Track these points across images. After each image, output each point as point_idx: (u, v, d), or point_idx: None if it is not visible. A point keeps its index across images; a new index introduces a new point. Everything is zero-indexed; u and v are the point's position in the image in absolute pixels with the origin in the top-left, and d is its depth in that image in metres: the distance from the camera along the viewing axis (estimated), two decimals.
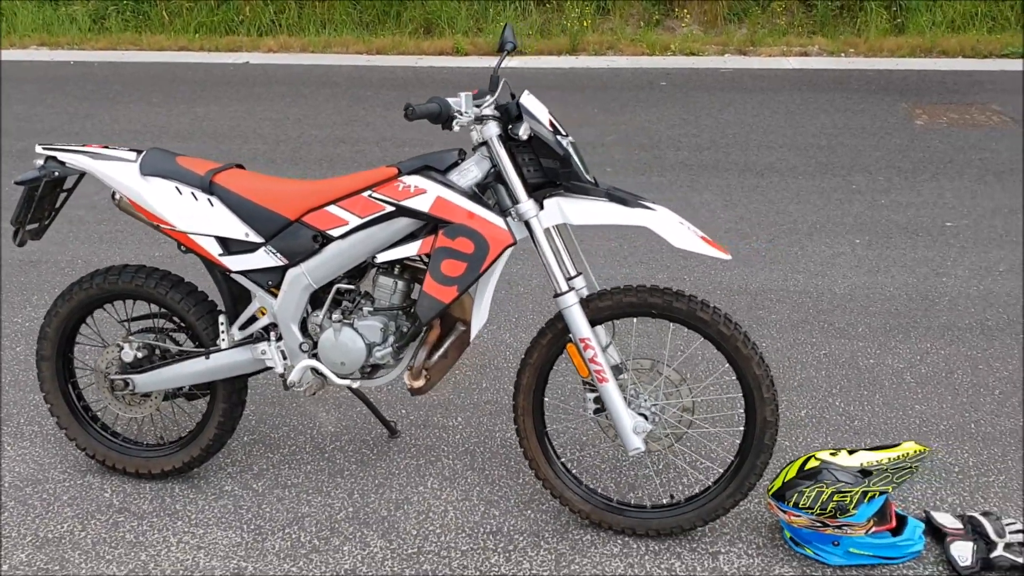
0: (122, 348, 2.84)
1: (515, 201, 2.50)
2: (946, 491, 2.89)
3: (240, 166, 2.82)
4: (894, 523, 2.60)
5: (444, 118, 2.38)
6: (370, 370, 2.74)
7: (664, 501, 2.79)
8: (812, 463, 2.61)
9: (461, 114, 2.41)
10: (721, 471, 2.79)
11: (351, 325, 2.65)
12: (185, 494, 2.92)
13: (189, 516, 2.82)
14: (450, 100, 2.41)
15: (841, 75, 8.37)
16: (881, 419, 3.26)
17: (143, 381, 2.84)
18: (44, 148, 2.76)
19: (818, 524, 2.56)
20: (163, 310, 2.89)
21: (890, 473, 2.54)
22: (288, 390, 2.77)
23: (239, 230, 2.65)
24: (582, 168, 2.52)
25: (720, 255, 2.50)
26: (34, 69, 9.22)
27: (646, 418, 2.61)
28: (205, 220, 2.66)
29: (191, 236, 2.68)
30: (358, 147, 6.49)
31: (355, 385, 2.71)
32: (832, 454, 2.62)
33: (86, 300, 2.84)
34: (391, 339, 2.67)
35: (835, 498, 2.52)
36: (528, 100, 2.51)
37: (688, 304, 2.54)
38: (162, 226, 2.70)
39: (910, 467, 2.55)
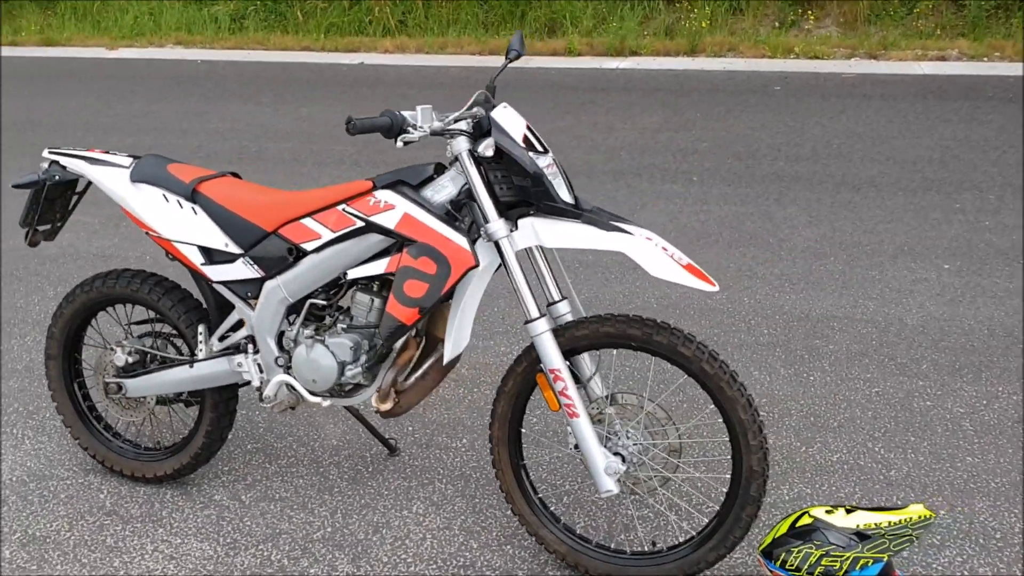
0: (115, 352, 2.87)
1: (485, 220, 2.35)
2: (980, 559, 2.55)
3: (236, 175, 2.79)
4: None
5: (395, 132, 2.26)
6: (349, 388, 2.65)
7: (646, 548, 2.58)
8: (805, 520, 2.35)
9: (414, 128, 2.28)
10: (706, 521, 2.56)
11: (323, 342, 2.57)
12: (174, 501, 2.92)
13: (171, 524, 2.81)
14: (406, 113, 2.29)
15: (976, 82, 7.73)
16: (923, 470, 2.92)
17: (134, 385, 2.86)
18: (50, 152, 2.82)
19: None
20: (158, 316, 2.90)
21: (887, 539, 2.25)
22: (263, 403, 2.72)
23: (219, 240, 2.61)
24: (561, 187, 2.35)
25: (703, 286, 2.27)
26: (164, 67, 9.66)
27: (623, 459, 2.41)
28: (188, 229, 2.64)
29: (175, 244, 2.66)
30: (443, 150, 6.45)
31: (326, 403, 2.63)
32: (828, 511, 2.35)
33: (88, 303, 2.88)
34: (363, 358, 2.57)
35: (824, 562, 2.26)
36: (500, 113, 2.35)
37: (669, 337, 2.33)
38: (150, 233, 2.70)
39: (910, 535, 2.26)
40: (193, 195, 2.63)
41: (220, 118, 7.56)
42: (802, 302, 4.06)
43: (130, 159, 2.77)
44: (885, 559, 2.25)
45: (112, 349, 2.88)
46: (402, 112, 2.28)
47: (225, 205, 2.61)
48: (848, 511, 2.33)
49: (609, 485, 2.37)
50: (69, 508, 2.90)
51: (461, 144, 2.34)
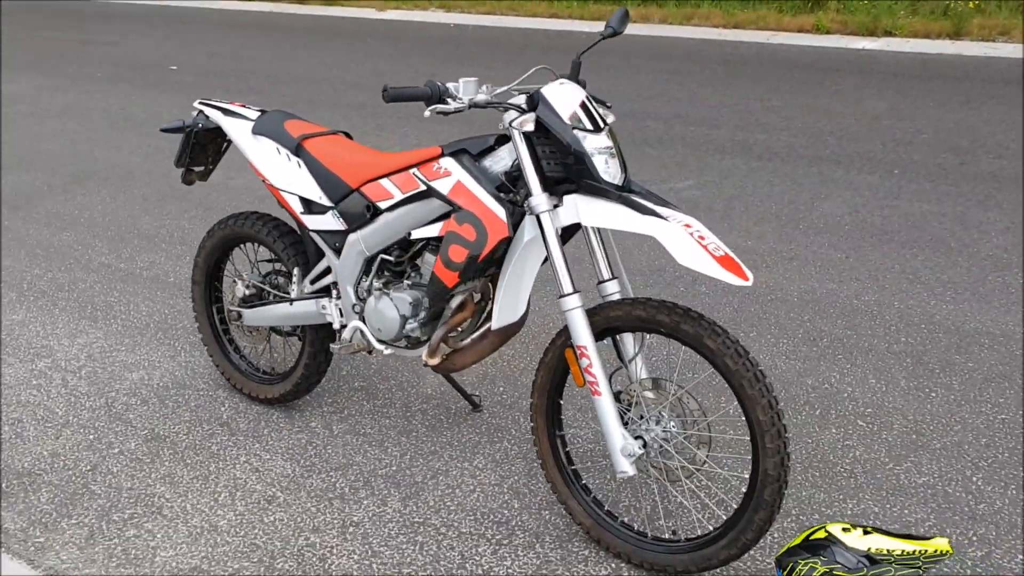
0: (236, 284, 3.22)
1: (529, 194, 2.42)
2: None
3: (347, 135, 3.02)
4: None
5: (435, 102, 2.36)
6: (412, 341, 2.83)
7: (666, 535, 2.56)
8: (820, 534, 2.24)
9: (453, 100, 2.37)
10: (723, 518, 2.49)
11: (389, 295, 2.75)
12: (277, 422, 3.25)
13: (268, 442, 3.14)
14: (449, 85, 2.39)
15: None
16: (1019, 509, 2.65)
17: (249, 315, 3.20)
18: (200, 103, 3.19)
19: None
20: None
21: (894, 567, 2.11)
22: (333, 345, 2.96)
23: (315, 192, 2.86)
24: (607, 167, 2.36)
25: (733, 279, 2.20)
26: (418, 29, 10.26)
27: (644, 443, 2.41)
28: (292, 180, 2.91)
29: (282, 192, 2.94)
30: (641, 123, 6.43)
31: (387, 352, 2.82)
32: (845, 529, 2.23)
33: (224, 238, 3.24)
34: (422, 314, 2.73)
35: None
36: (552, 89, 2.40)
37: (696, 328, 2.29)
38: (265, 181, 3.00)
39: (919, 567, 2.09)
40: (298, 149, 2.90)
41: (428, 78, 7.97)
42: (957, 313, 3.73)
43: (257, 112, 3.08)
44: None
45: (235, 281, 3.24)
46: (446, 83, 2.38)
47: (322, 161, 2.85)
48: (866, 532, 2.21)
49: (624, 467, 2.38)
50: (192, 415, 3.31)
51: (509, 117, 2.41)
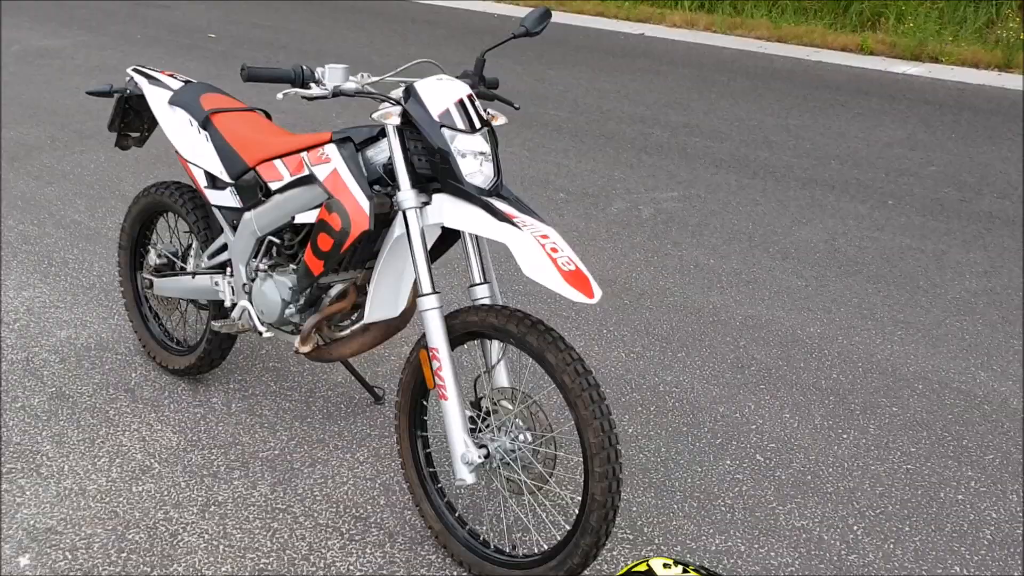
0: (150, 252, 3.24)
1: (397, 188, 2.37)
2: None
3: (266, 113, 3.01)
4: None
5: (298, 85, 2.32)
6: (293, 326, 2.80)
7: (506, 548, 2.50)
8: (641, 567, 2.16)
9: (317, 85, 2.33)
10: (557, 539, 2.42)
11: (272, 277, 2.74)
12: (180, 394, 3.26)
13: (163, 413, 3.15)
14: (316, 69, 2.35)
15: None
16: (891, 565, 2.53)
17: (158, 284, 3.22)
18: (133, 69, 3.21)
19: None
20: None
21: None
22: (214, 324, 2.97)
23: (217, 167, 2.85)
24: (475, 168, 2.30)
25: (578, 296, 2.14)
26: (459, 17, 10.24)
27: (487, 454, 2.35)
28: (198, 152, 2.91)
29: (189, 164, 2.95)
30: (647, 129, 6.31)
31: (268, 335, 2.80)
32: (666, 565, 2.14)
33: (146, 206, 3.26)
34: (301, 300, 2.71)
35: None
36: (426, 83, 2.35)
37: (540, 340, 2.23)
38: (176, 152, 3.01)
39: None
40: (205, 123, 2.90)
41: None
42: (900, 355, 3.58)
43: (182, 83, 3.08)
44: None
45: (150, 250, 3.26)
46: (314, 69, 2.35)
47: (226, 136, 2.84)
48: (685, 570, 2.12)
49: (463, 474, 2.33)
50: (103, 378, 3.34)
51: (393, 109, 2.37)
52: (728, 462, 2.96)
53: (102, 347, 3.55)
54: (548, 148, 5.94)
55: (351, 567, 2.51)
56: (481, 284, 2.47)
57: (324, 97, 2.31)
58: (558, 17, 10.19)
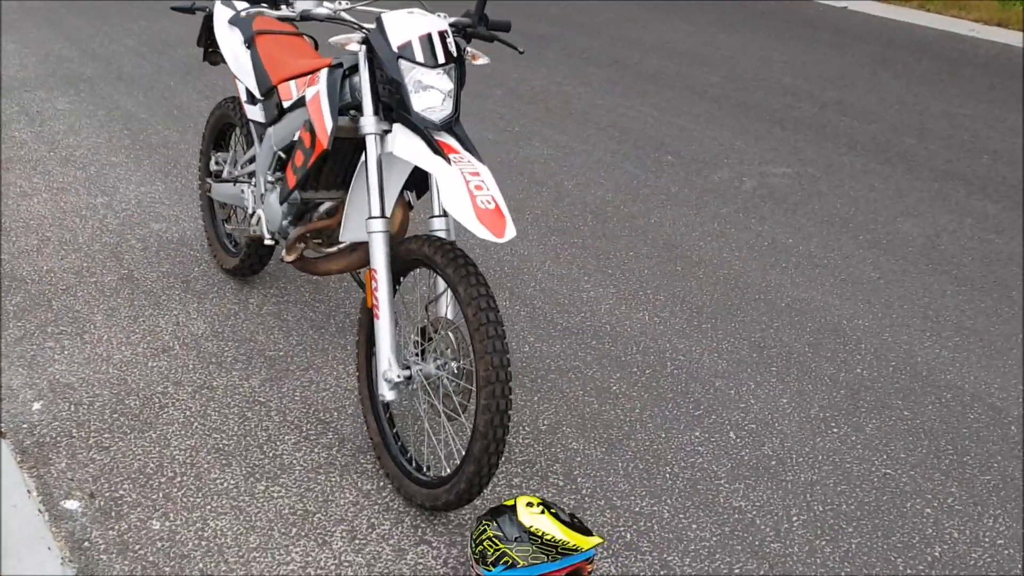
0: (210, 158, 3.56)
1: (361, 113, 2.51)
2: None
3: (313, 40, 3.22)
4: None
5: (269, 6, 2.48)
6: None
7: (423, 468, 2.60)
8: (508, 502, 2.23)
9: (287, 7, 2.47)
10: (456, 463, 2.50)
11: (276, 190, 2.95)
12: (227, 291, 3.59)
13: (204, 304, 3.49)
14: None
15: None
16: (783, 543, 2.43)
17: (214, 188, 3.53)
18: None
19: (471, 562, 2.21)
20: None
21: (532, 548, 2.06)
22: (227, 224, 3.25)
23: (252, 83, 3.10)
24: (430, 102, 2.40)
25: (485, 233, 2.22)
26: None
27: (409, 377, 2.46)
28: (241, 69, 3.16)
29: (236, 79, 3.21)
30: (795, 102, 6.03)
31: (269, 241, 3.03)
32: (529, 504, 2.20)
33: (218, 118, 3.58)
34: (290, 213, 2.91)
35: (485, 543, 2.16)
36: (393, 16, 2.45)
37: (457, 273, 2.32)
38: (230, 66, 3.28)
39: (551, 554, 2.03)
40: (250, 42, 3.14)
41: (636, 38, 7.85)
42: (941, 362, 3.32)
43: (246, 6, 3.34)
44: (519, 564, 2.08)
45: (212, 156, 3.58)
46: None
47: (262, 56, 3.07)
48: (543, 512, 2.18)
49: (383, 390, 2.47)
50: (170, 268, 3.73)
51: (355, 37, 2.49)
52: (697, 434, 2.91)
53: (182, 242, 3.94)
54: (679, 111, 5.84)
55: (295, 460, 2.73)
56: (439, 216, 2.57)
57: (292, 19, 2.47)
58: (932, 21, 9.72)
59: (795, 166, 5.04)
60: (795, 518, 2.60)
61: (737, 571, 2.40)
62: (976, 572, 2.43)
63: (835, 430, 2.96)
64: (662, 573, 2.38)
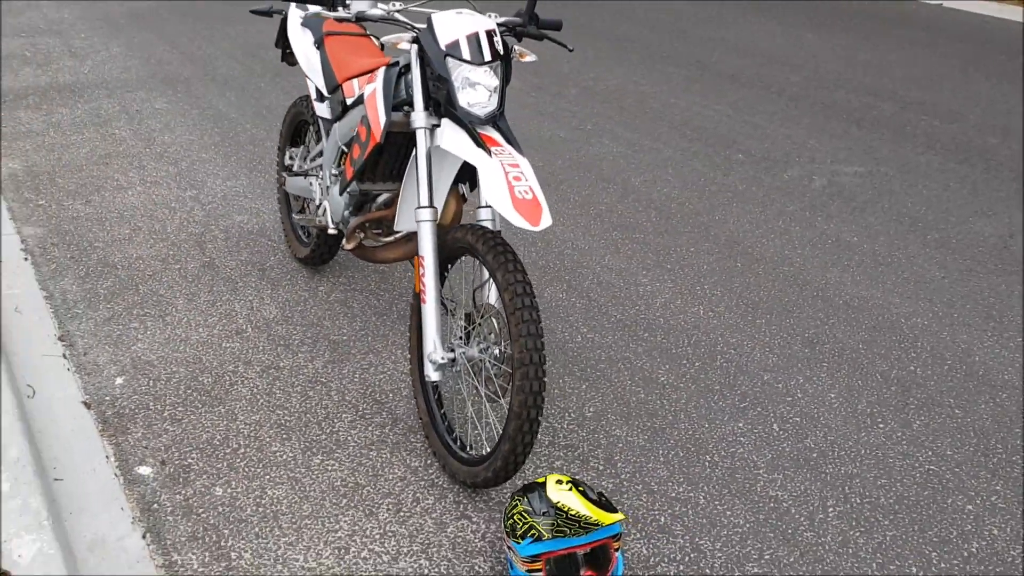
0: (285, 153, 3.76)
1: (413, 108, 2.64)
2: None
3: (378, 40, 3.38)
4: None
5: (332, 6, 2.63)
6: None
7: (467, 446, 2.72)
8: (540, 479, 2.33)
9: (344, 8, 2.62)
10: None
11: (339, 182, 3.12)
12: (298, 279, 3.78)
13: (278, 290, 3.69)
14: None
15: None
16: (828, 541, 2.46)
17: (288, 181, 3.73)
18: None
19: (504, 535, 2.32)
20: None
21: (557, 521, 2.16)
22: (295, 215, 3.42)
23: (320, 82, 3.27)
24: (476, 97, 2.52)
25: (522, 223, 2.33)
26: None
27: (453, 360, 2.58)
28: (312, 68, 3.34)
29: (307, 78, 3.40)
30: (876, 102, 5.94)
31: (333, 231, 3.19)
32: (559, 481, 2.29)
33: (294, 115, 3.78)
34: (351, 204, 3.07)
35: (515, 516, 2.26)
36: (442, 16, 2.57)
37: (497, 261, 2.44)
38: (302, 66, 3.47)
39: (574, 529, 2.12)
40: (319, 42, 3.32)
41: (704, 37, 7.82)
42: (1001, 361, 3.27)
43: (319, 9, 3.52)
44: (545, 536, 2.18)
45: (286, 151, 3.78)
46: None
47: (329, 55, 3.24)
48: (571, 489, 2.27)
49: (428, 371, 2.61)
50: (248, 256, 3.95)
51: (406, 36, 2.63)
52: (740, 425, 2.96)
53: (261, 233, 4.17)
54: (755, 109, 5.83)
55: (350, 437, 2.88)
56: (485, 207, 2.69)
57: (346, 20, 2.63)
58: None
59: (868, 165, 4.99)
60: (831, 508, 2.62)
61: (767, 557, 2.45)
62: (1013, 571, 2.42)
63: (881, 426, 2.97)
64: (692, 555, 2.45)
